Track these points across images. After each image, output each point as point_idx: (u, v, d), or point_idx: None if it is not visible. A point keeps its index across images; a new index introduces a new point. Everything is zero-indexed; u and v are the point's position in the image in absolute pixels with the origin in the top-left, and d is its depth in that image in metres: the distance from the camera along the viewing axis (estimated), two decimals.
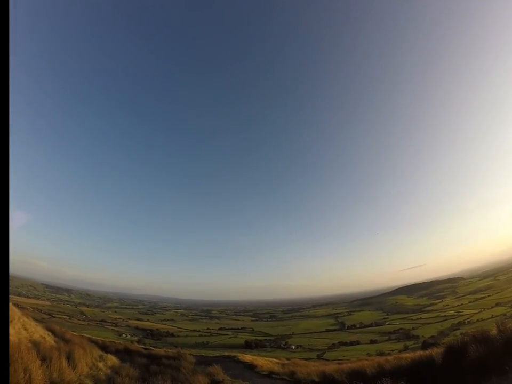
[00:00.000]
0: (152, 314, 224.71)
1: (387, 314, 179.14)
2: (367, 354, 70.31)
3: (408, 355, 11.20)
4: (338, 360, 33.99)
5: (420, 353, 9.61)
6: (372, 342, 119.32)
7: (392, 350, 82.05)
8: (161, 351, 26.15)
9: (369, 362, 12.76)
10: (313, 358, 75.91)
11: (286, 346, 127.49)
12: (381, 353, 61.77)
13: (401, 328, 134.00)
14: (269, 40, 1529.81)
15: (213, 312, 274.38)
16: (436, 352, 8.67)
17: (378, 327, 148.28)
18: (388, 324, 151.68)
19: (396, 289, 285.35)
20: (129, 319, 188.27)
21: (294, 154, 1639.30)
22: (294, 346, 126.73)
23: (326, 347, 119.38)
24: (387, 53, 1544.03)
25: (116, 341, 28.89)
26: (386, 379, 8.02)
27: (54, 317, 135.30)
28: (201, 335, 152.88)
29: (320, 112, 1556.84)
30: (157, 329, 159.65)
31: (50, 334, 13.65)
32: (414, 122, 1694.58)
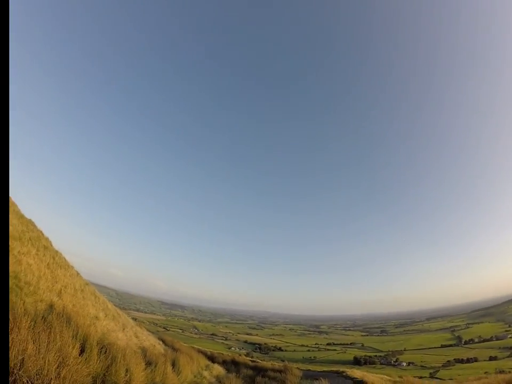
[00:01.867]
0: (261, 329, 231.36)
1: (509, 326, 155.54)
2: (485, 373, 59.76)
3: None
4: (453, 379, 29.26)
5: None
6: (491, 359, 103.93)
7: None
8: (267, 363, 26.34)
9: (495, 381, 10.47)
10: (425, 377, 67.69)
11: (396, 363, 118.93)
12: (501, 372, 51.10)
13: None
14: None
15: (322, 327, 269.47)
16: None
17: (499, 341, 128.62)
18: (510, 337, 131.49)
19: None
20: (238, 333, 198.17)
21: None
22: (405, 363, 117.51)
23: (440, 364, 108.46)
24: None
25: (224, 353, 30.29)
26: None
27: (168, 330, 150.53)
28: (309, 350, 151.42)
29: None
30: (265, 343, 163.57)
31: (160, 343, 15.08)
32: None
